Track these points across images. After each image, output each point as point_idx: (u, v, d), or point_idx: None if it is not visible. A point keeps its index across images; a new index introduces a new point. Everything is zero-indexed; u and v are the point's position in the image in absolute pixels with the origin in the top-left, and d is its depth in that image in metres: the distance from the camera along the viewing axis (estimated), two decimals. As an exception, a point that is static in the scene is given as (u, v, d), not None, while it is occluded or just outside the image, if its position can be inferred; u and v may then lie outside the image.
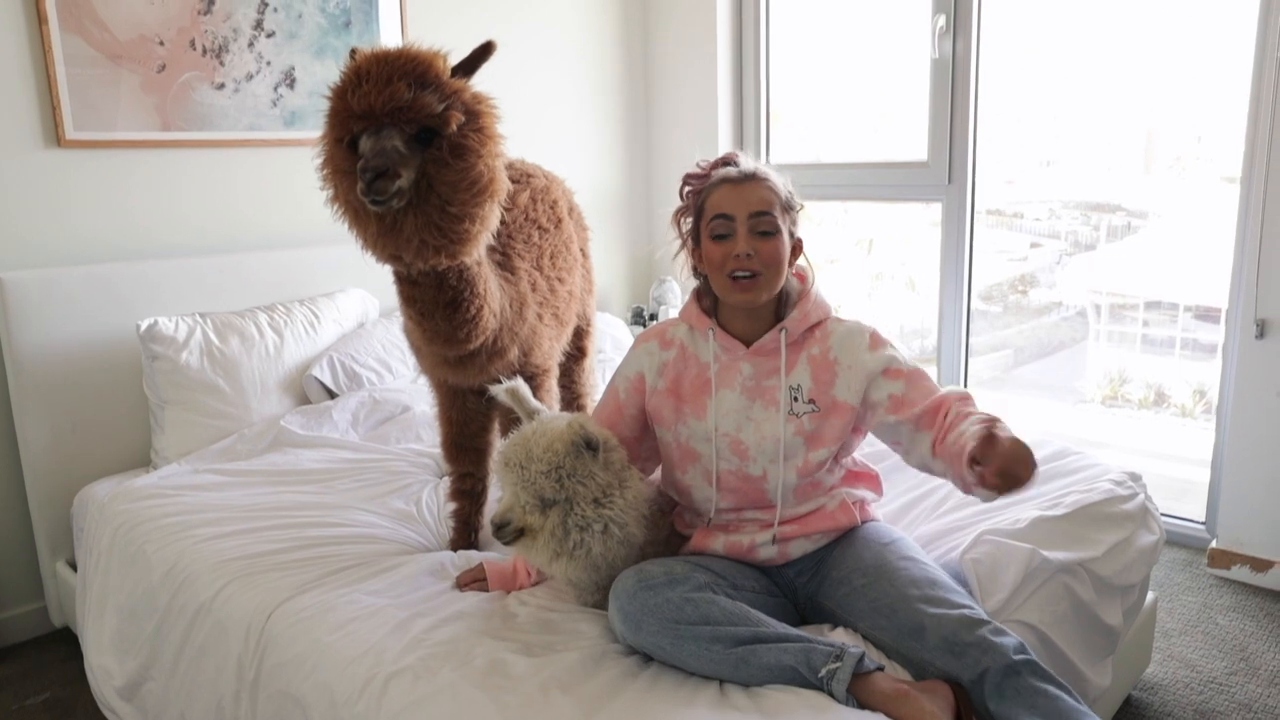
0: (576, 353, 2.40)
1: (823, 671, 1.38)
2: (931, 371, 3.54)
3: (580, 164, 3.77)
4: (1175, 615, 2.61)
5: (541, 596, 1.70)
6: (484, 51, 1.63)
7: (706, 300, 1.69)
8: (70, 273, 2.48)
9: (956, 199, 3.32)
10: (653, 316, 3.89)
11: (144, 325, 2.47)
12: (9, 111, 2.43)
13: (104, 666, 2.06)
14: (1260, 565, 2.77)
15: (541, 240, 2.05)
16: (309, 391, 2.70)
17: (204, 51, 2.72)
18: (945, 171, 3.32)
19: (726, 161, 1.64)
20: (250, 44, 2.80)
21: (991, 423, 1.39)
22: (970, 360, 3.53)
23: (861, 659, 1.38)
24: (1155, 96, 3.87)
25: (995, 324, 5.00)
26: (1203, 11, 3.39)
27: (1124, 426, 4.58)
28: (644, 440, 1.75)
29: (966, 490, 1.45)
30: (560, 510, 1.53)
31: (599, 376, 2.73)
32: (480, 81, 1.68)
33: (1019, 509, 1.88)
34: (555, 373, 2.12)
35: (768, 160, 1.67)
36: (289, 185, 2.91)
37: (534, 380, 1.97)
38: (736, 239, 1.56)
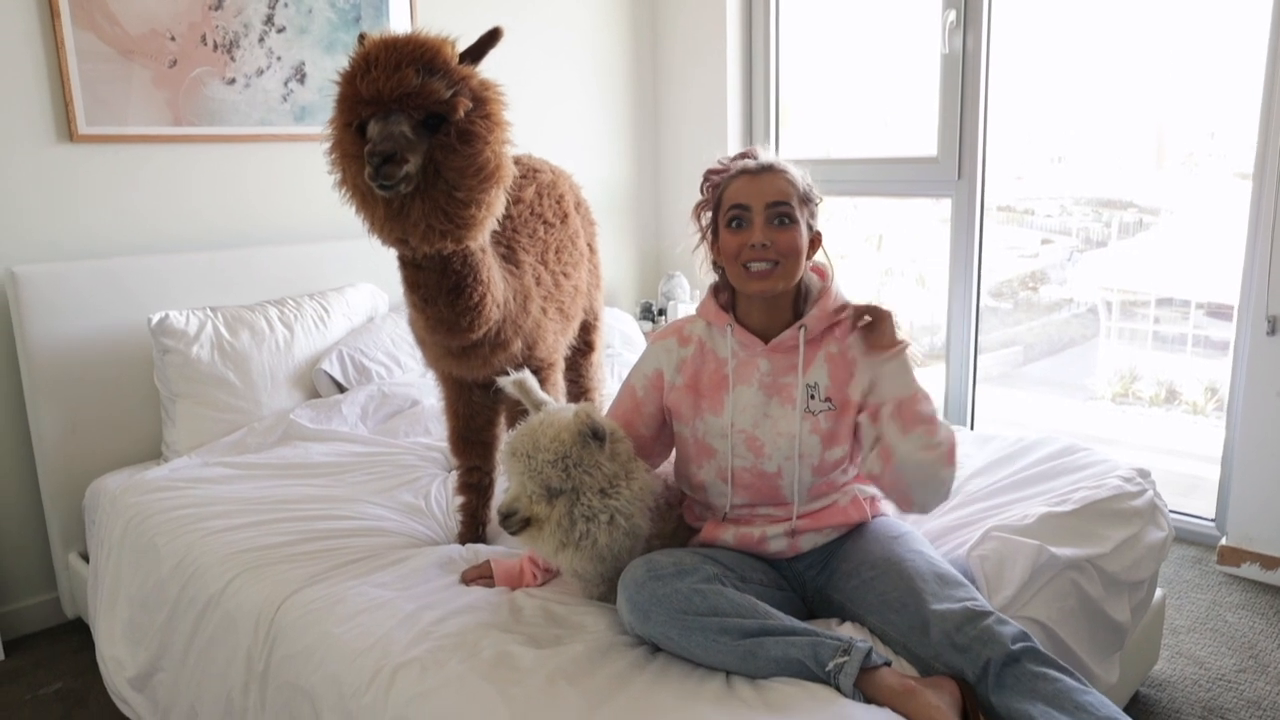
0: (584, 347, 2.41)
1: (830, 665, 1.38)
2: (940, 368, 3.55)
3: (589, 159, 3.77)
4: (1184, 612, 2.60)
5: (548, 589, 1.71)
6: (491, 38, 1.64)
7: (724, 296, 1.69)
8: (82, 267, 2.50)
9: (966, 195, 3.31)
10: (661, 312, 3.90)
11: (155, 319, 2.48)
12: (22, 106, 2.44)
13: (116, 657, 2.07)
14: (1270, 562, 2.76)
15: (547, 235, 2.06)
16: (319, 385, 2.71)
17: (215, 47, 2.73)
18: (955, 167, 3.31)
19: (744, 154, 1.66)
20: (261, 39, 2.81)
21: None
22: (980, 357, 3.52)
23: (869, 654, 1.39)
24: (1167, 91, 3.84)
25: (1005, 320, 4.99)
26: (1216, 5, 3.37)
27: (1134, 424, 4.56)
28: (659, 438, 1.75)
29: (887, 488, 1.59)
30: (566, 500, 1.53)
31: (607, 371, 2.74)
32: (488, 75, 1.68)
33: (1027, 505, 1.88)
34: (561, 367, 2.12)
35: (778, 154, 1.67)
36: (299, 180, 2.92)
37: (539, 374, 1.98)
38: (753, 229, 1.56)
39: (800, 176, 1.63)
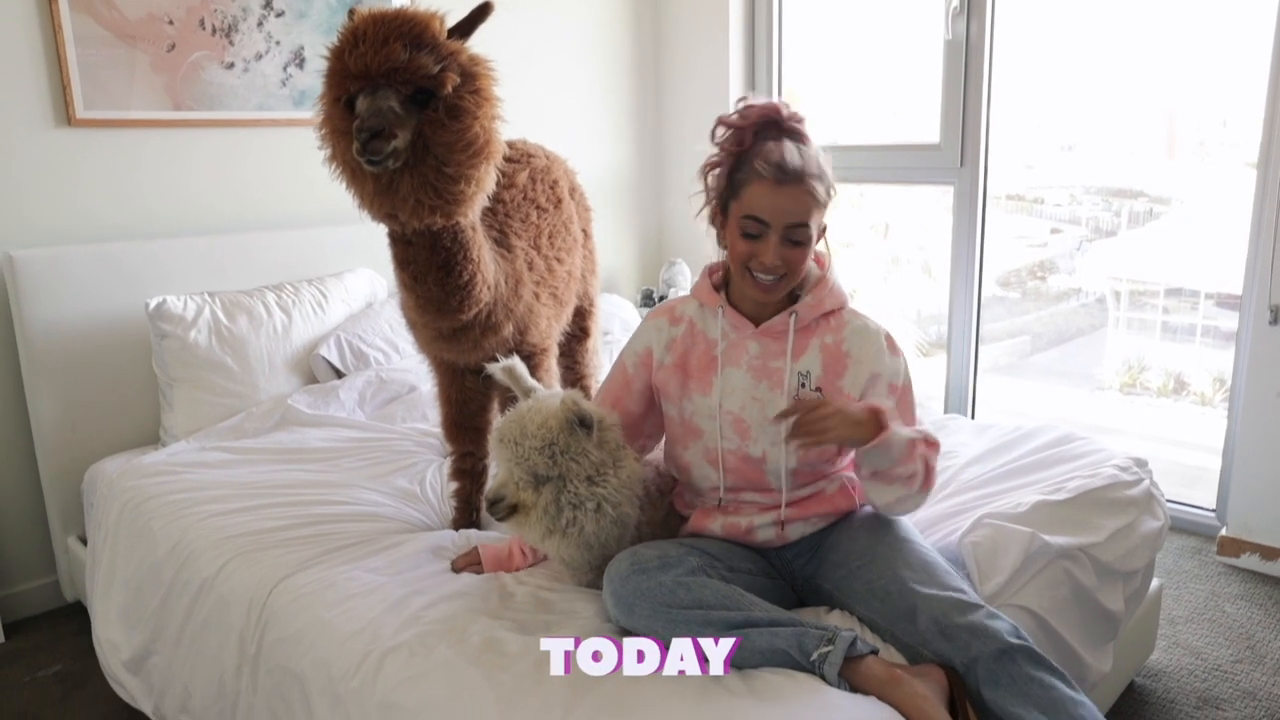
0: (579, 333, 2.40)
1: (815, 655, 1.37)
2: (941, 358, 3.54)
3: (590, 146, 3.76)
4: (1182, 602, 2.59)
5: (539, 576, 1.71)
6: (481, 12, 1.63)
7: (718, 275, 1.68)
8: (81, 251, 2.50)
9: (968, 182, 3.29)
10: (662, 298, 3.89)
11: (152, 304, 2.49)
12: (20, 91, 2.44)
13: (111, 640, 2.09)
14: (1270, 553, 2.74)
15: (540, 220, 2.05)
16: (316, 370, 2.72)
17: (213, 31, 2.73)
18: (958, 154, 3.28)
19: (769, 118, 1.54)
20: (260, 23, 2.81)
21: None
22: (984, 346, 3.50)
23: (854, 642, 1.38)
24: (1178, 79, 3.81)
25: (1014, 310, 4.96)
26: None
27: (1142, 414, 4.54)
28: (649, 416, 1.75)
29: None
30: (553, 487, 1.53)
31: (605, 358, 2.73)
32: (480, 51, 1.67)
33: (1021, 493, 1.87)
34: (554, 352, 2.12)
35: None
36: (298, 165, 2.92)
37: (532, 359, 1.98)
38: (766, 245, 1.52)
39: (822, 185, 1.53)
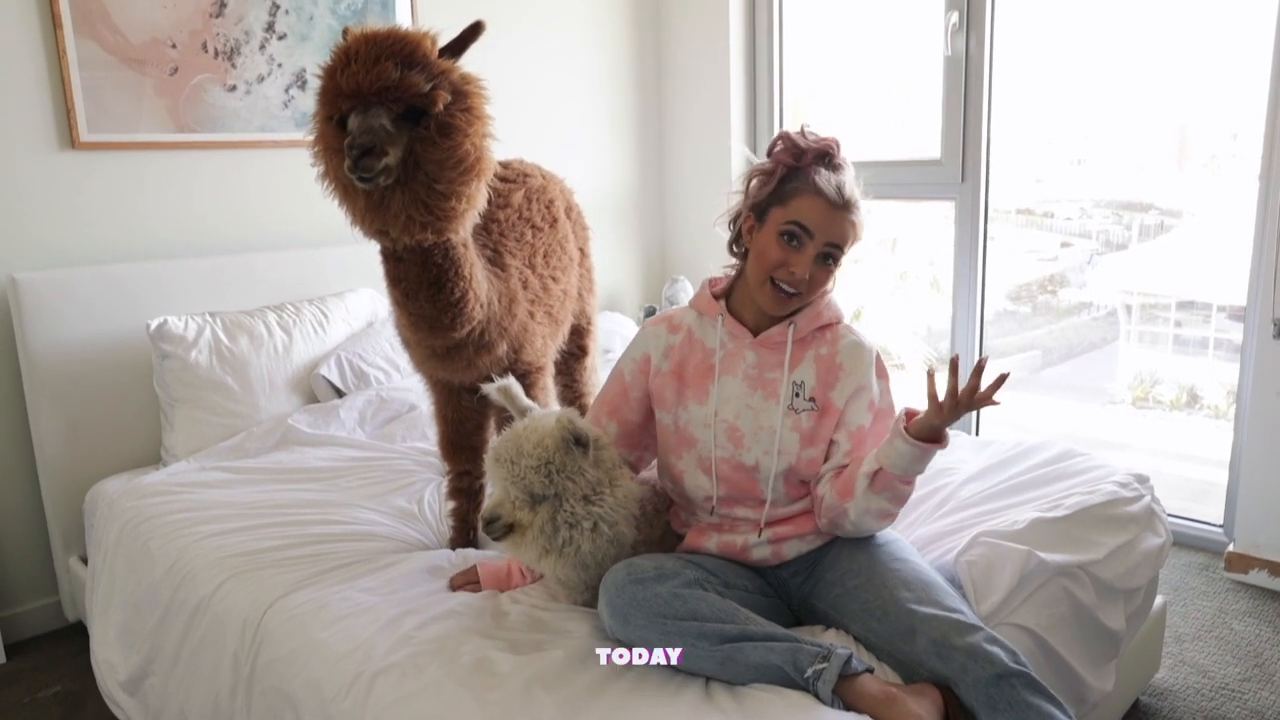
0: (577, 351, 2.41)
1: (809, 672, 1.37)
2: (942, 376, 3.51)
3: (592, 163, 3.78)
4: (1189, 620, 2.56)
5: (534, 595, 1.71)
6: (473, 32, 1.65)
7: (719, 286, 1.70)
8: (84, 273, 2.52)
9: (970, 197, 3.29)
10: (665, 316, 3.88)
11: (154, 324, 2.50)
12: (25, 114, 2.47)
13: (109, 660, 2.09)
14: (1278, 569, 2.71)
15: (535, 239, 2.06)
16: (317, 390, 2.73)
17: (216, 54, 2.75)
18: (958, 170, 3.28)
19: (827, 151, 1.58)
20: (262, 46, 2.83)
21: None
22: (995, 361, 3.48)
23: (849, 660, 1.37)
24: (1189, 92, 3.80)
25: (1024, 324, 4.94)
26: (1238, 6, 3.32)
27: (1154, 428, 4.51)
28: (647, 426, 1.75)
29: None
30: (550, 506, 1.53)
31: (603, 375, 2.73)
32: (492, 81, 1.70)
33: (1019, 510, 1.86)
34: (550, 371, 2.12)
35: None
36: (299, 186, 2.93)
37: (527, 378, 1.98)
38: (803, 256, 1.55)
39: (860, 222, 1.58)
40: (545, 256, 2.07)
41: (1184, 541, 3.03)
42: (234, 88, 2.80)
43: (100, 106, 2.57)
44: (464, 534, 2.04)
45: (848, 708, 1.35)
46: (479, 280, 1.80)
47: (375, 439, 2.59)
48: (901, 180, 3.50)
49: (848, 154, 1.62)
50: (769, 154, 1.62)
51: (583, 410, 2.39)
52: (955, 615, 1.43)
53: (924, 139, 3.45)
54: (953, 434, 2.44)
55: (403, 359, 2.82)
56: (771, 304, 1.59)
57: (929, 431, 1.47)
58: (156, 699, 1.95)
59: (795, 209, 1.55)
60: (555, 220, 2.15)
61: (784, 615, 1.63)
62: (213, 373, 2.53)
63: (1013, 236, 4.69)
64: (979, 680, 1.35)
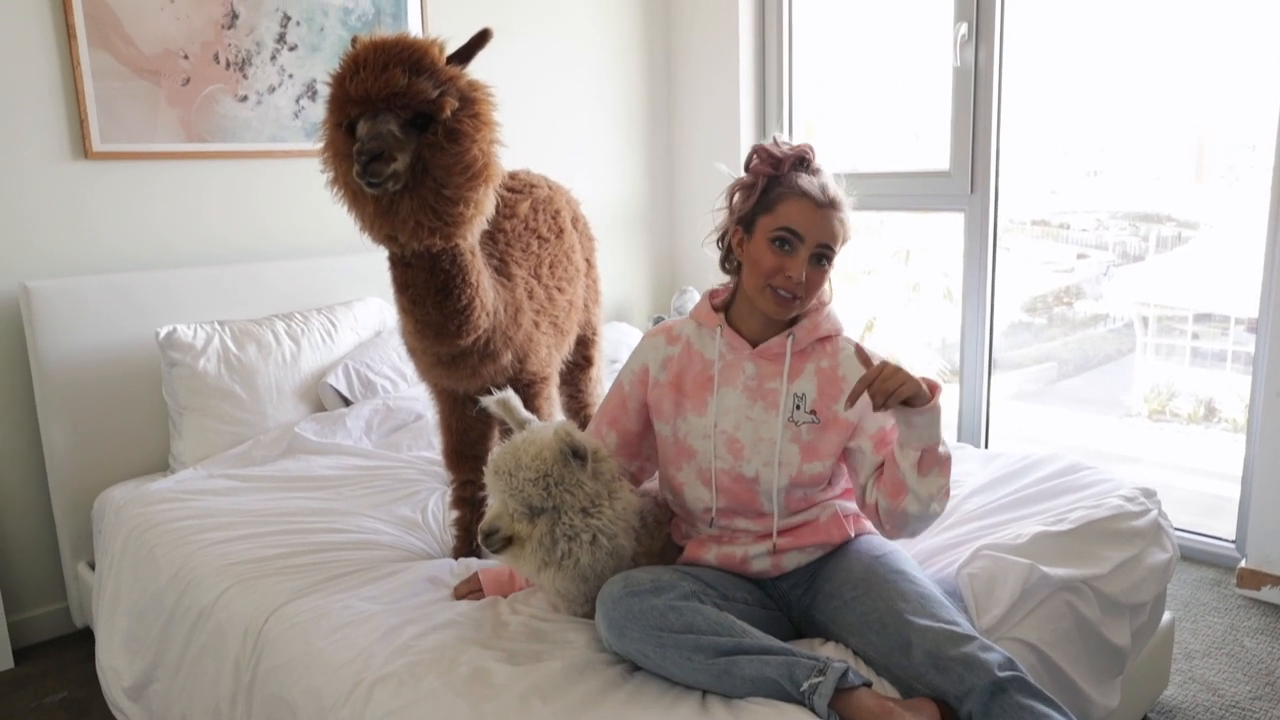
0: (583, 362, 2.41)
1: (805, 685, 1.36)
2: (953, 389, 3.50)
3: (601, 174, 3.78)
4: (1200, 636, 2.54)
5: (533, 605, 1.70)
6: (480, 39, 1.67)
7: (719, 299, 1.70)
8: (95, 281, 2.54)
9: (979, 209, 3.28)
10: (674, 327, 3.88)
11: (163, 333, 2.52)
12: (39, 124, 2.50)
13: (114, 667, 2.10)
14: (1291, 586, 2.68)
15: (540, 249, 2.07)
16: (324, 399, 2.74)
17: (227, 65, 2.78)
18: (968, 181, 3.27)
19: (803, 156, 1.60)
20: (273, 57, 2.86)
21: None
22: (1009, 373, 3.46)
23: (845, 674, 1.36)
24: (1207, 104, 3.78)
25: (1040, 336, 4.92)
26: (1256, 15, 3.29)
27: (1170, 441, 4.48)
28: (646, 436, 1.75)
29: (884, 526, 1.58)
30: (548, 519, 1.53)
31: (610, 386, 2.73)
32: (499, 90, 1.71)
33: (1023, 524, 1.85)
34: (555, 381, 2.13)
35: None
36: (309, 196, 2.96)
37: (531, 388, 1.98)
38: (796, 260, 1.56)
39: (848, 219, 1.60)
40: (551, 267, 2.08)
41: (1196, 557, 2.99)
42: (245, 98, 2.82)
43: (113, 117, 2.60)
44: (467, 543, 2.04)
45: (844, 721, 1.34)
46: (486, 288, 1.81)
47: (381, 448, 2.60)
48: (911, 191, 3.50)
49: (825, 161, 1.63)
50: (746, 168, 1.64)
51: (587, 420, 2.40)
52: (950, 626, 1.42)
53: (933, 150, 3.44)
54: (960, 447, 2.45)
55: (409, 368, 2.83)
56: (774, 309, 1.59)
57: (920, 397, 1.46)
58: (159, 705, 1.95)
59: (783, 214, 1.56)
60: (561, 231, 2.16)
61: (784, 628, 1.62)
62: (221, 381, 2.55)
63: (1028, 248, 4.67)
64: (974, 689, 1.34)
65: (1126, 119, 3.94)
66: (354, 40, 1.65)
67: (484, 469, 2.02)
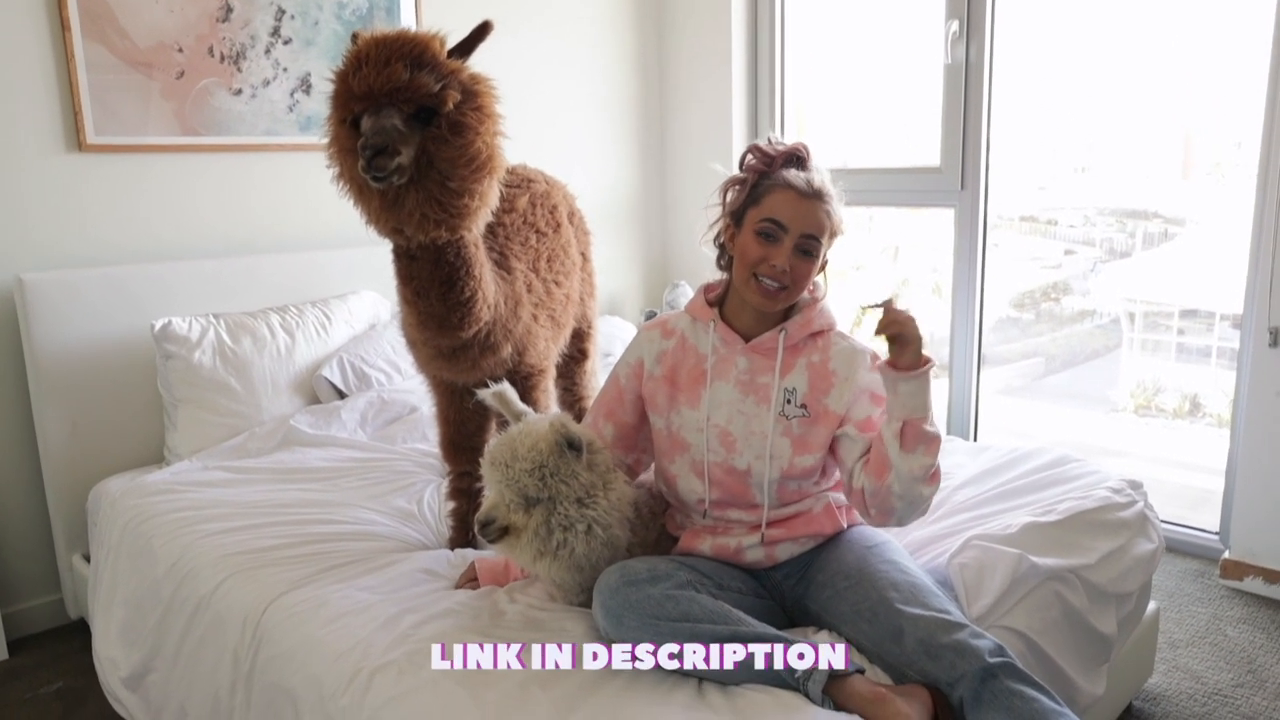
0: (578, 355, 2.43)
1: (799, 672, 1.38)
2: (942, 384, 3.53)
3: (594, 169, 3.80)
4: (1184, 626, 2.58)
5: (531, 595, 1.72)
6: (481, 32, 1.68)
7: (713, 294, 1.72)
8: (89, 274, 2.55)
9: (969, 205, 3.31)
10: (666, 321, 3.90)
11: (158, 325, 2.53)
12: (32, 117, 2.50)
13: (111, 657, 2.11)
14: (1273, 577, 2.72)
15: (539, 243, 2.08)
16: (319, 391, 2.75)
17: (222, 58, 2.78)
18: (958, 177, 3.30)
19: (796, 153, 1.63)
20: (267, 51, 2.86)
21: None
22: (997, 368, 3.49)
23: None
24: (1193, 101, 3.82)
25: (1027, 331, 4.96)
26: (1243, 13, 3.33)
27: (1156, 436, 4.52)
28: (642, 429, 1.78)
29: (869, 509, 1.57)
30: (544, 509, 1.55)
31: (604, 379, 2.75)
32: (482, 69, 1.72)
33: (1013, 515, 1.88)
34: (552, 373, 2.15)
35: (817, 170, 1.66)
36: (303, 189, 2.96)
37: (529, 380, 2.00)
38: (780, 249, 1.58)
39: (836, 210, 1.62)
40: (549, 261, 2.10)
41: (1180, 548, 3.04)
42: (239, 91, 2.83)
43: (107, 109, 2.60)
44: (463, 534, 2.06)
45: (838, 707, 1.37)
46: (488, 281, 1.83)
47: (376, 440, 2.61)
48: (901, 187, 3.52)
49: (820, 159, 1.65)
50: (740, 166, 1.67)
51: (581, 413, 2.42)
52: (941, 615, 1.45)
53: (924, 146, 3.47)
54: (949, 440, 2.48)
55: (404, 361, 2.86)
56: (759, 300, 1.61)
57: (911, 359, 1.49)
58: (158, 695, 1.97)
59: (768, 206, 1.59)
60: (559, 225, 2.18)
61: (778, 617, 1.64)
62: (216, 373, 2.55)
63: (1016, 244, 4.70)
64: (965, 675, 1.37)
65: (1114, 116, 3.98)
66: (355, 36, 1.66)
67: (481, 460, 2.06)
